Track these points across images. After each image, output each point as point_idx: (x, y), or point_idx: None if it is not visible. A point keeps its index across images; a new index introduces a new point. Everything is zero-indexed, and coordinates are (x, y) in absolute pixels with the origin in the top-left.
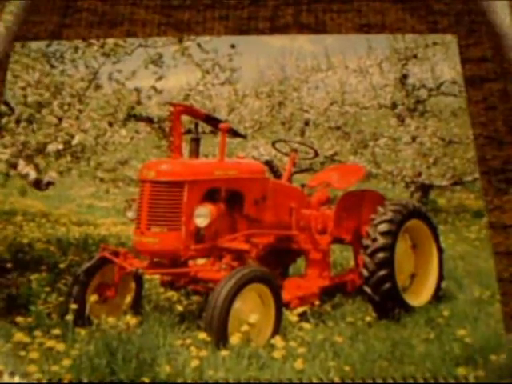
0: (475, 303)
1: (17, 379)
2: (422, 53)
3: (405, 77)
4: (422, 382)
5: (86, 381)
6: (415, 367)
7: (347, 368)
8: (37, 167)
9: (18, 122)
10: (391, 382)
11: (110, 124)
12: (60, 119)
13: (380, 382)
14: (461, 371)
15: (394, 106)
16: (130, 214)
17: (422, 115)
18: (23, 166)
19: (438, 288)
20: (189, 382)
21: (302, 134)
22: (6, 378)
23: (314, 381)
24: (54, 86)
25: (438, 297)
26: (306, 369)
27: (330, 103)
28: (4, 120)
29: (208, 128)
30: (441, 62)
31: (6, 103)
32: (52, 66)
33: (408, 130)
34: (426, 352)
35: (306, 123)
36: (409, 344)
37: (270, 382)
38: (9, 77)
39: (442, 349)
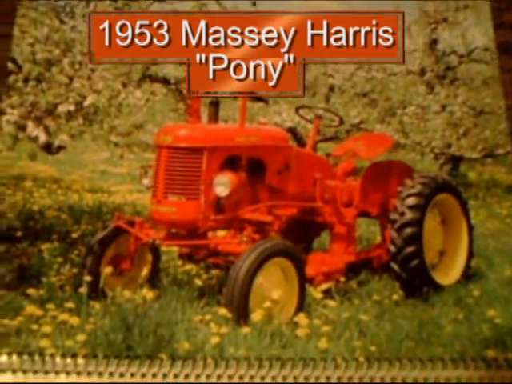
0: (506, 283)
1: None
2: (453, 17)
3: (434, 42)
4: (449, 363)
5: (101, 356)
6: (443, 348)
7: (373, 348)
8: (47, 130)
9: (26, 80)
10: (418, 362)
11: (124, 85)
12: (71, 78)
13: (406, 362)
14: (490, 353)
15: (422, 72)
16: (146, 182)
17: (452, 83)
18: (32, 128)
19: (468, 266)
20: (208, 359)
21: (327, 99)
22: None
23: (339, 360)
24: (63, 43)
25: (468, 275)
26: (330, 348)
27: (356, 68)
28: (11, 78)
29: None
30: (472, 27)
31: (14, 60)
32: (62, 22)
33: (437, 98)
34: (454, 333)
35: (331, 89)
36: (437, 324)
37: (293, 361)
38: (16, 32)
39: (471, 330)
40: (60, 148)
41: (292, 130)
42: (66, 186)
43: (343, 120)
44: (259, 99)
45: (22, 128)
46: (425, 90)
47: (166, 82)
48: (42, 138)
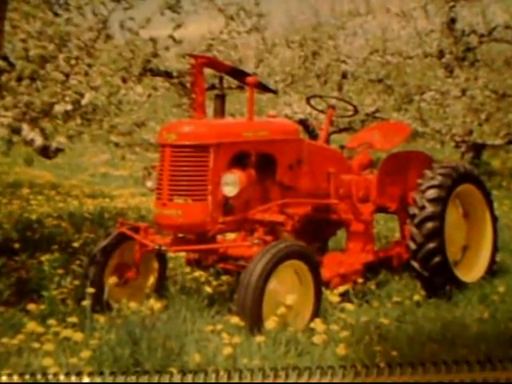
0: None
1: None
2: None
3: (453, 21)
4: (475, 365)
5: (107, 373)
6: (468, 349)
7: (394, 352)
8: (43, 132)
9: (19, 79)
10: (442, 366)
11: (124, 80)
12: (67, 75)
13: (430, 366)
14: None
15: (441, 54)
16: (150, 184)
17: (473, 65)
18: (28, 131)
19: (493, 261)
20: (221, 371)
21: (340, 88)
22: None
23: (359, 367)
24: (58, 38)
25: (493, 271)
26: (349, 354)
27: (369, 52)
28: (4, 77)
29: (234, 82)
30: (492, 4)
31: (5, 58)
32: (56, 14)
33: (457, 81)
34: (479, 332)
35: (344, 75)
36: (461, 324)
37: (310, 370)
38: (7, 27)
39: (497, 328)
40: (57, 151)
41: (303, 122)
42: (64, 192)
43: (357, 109)
44: (268, 90)
45: (17, 131)
46: (443, 73)
47: (168, 75)
48: (38, 140)
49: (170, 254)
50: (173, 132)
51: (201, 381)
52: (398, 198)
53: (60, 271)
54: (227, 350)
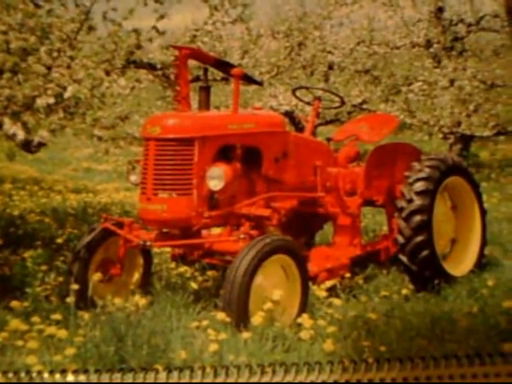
0: None
1: None
2: None
3: (440, 10)
4: (464, 360)
5: (92, 370)
6: (457, 344)
7: (382, 348)
8: (25, 126)
9: (0, 72)
10: (431, 361)
11: (107, 72)
12: (49, 68)
13: (418, 361)
14: (508, 347)
15: (428, 44)
16: (134, 178)
17: (461, 55)
18: (9, 125)
19: (481, 254)
20: (207, 367)
21: (326, 79)
22: None
23: (346, 363)
24: (40, 29)
25: (482, 264)
26: (336, 350)
27: (356, 43)
28: None
29: (219, 74)
30: None
31: None
32: (37, 6)
33: (445, 72)
34: (468, 327)
35: (330, 67)
36: (450, 319)
37: (297, 366)
38: None
39: (486, 323)
40: (40, 145)
41: (289, 114)
42: (47, 187)
43: (344, 100)
44: (253, 82)
45: None
46: (431, 63)
47: (151, 67)
48: (20, 135)
49: (155, 250)
50: (157, 125)
51: (187, 377)
52: (386, 190)
53: (43, 268)
54: (213, 347)
